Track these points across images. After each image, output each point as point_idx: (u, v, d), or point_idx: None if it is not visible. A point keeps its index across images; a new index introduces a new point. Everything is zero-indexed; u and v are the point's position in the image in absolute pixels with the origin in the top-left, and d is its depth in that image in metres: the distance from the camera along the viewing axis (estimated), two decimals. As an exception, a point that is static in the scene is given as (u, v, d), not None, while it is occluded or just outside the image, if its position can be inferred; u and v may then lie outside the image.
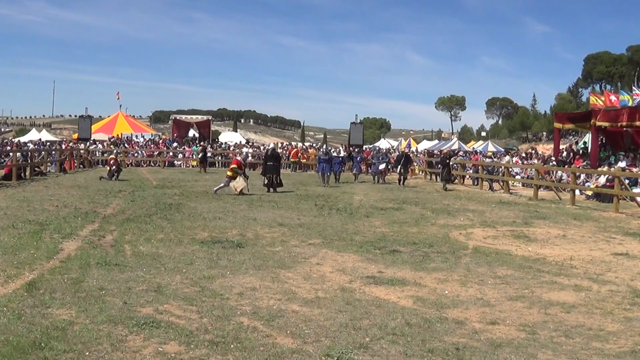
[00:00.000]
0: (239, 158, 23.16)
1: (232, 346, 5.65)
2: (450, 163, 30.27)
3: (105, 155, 42.84)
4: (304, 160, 41.55)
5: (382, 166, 30.67)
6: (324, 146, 36.74)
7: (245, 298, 7.44)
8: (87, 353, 5.34)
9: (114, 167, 27.51)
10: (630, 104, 30.44)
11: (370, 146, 60.10)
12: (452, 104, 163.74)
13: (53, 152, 36.69)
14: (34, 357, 5.17)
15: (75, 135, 51.87)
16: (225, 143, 54.15)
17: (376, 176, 30.89)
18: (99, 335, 5.76)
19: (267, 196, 21.09)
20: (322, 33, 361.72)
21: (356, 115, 48.13)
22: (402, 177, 29.22)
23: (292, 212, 16.46)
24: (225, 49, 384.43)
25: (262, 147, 49.32)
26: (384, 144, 76.72)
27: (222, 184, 21.56)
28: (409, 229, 13.95)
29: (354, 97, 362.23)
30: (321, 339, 5.96)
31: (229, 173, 21.91)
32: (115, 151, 34.99)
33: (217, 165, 42.35)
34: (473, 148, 68.75)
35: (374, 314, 6.91)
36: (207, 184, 24.80)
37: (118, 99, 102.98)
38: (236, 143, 54.16)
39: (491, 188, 27.99)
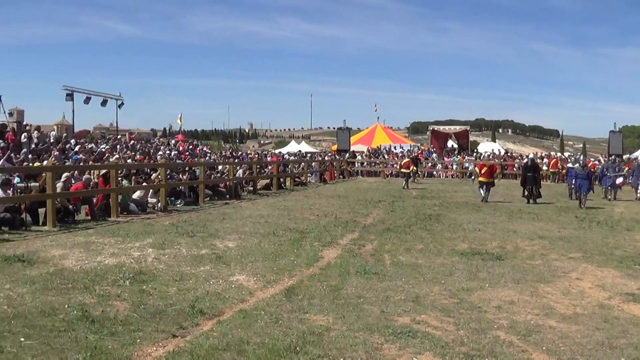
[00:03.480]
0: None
1: (487, 360, 5.58)
2: None
3: (364, 165, 44.51)
4: (564, 171, 39.60)
5: (619, 180, 27.46)
6: (581, 157, 33.69)
7: (503, 311, 7.29)
8: (342, 359, 5.53)
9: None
10: None
11: (630, 156, 55.03)
12: None
13: (313, 164, 38.83)
14: (289, 361, 5.48)
15: (335, 147, 54.26)
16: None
17: (611, 190, 26.98)
18: (354, 342, 5.93)
19: (526, 207, 20.60)
20: (574, 38, 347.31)
21: (615, 123, 45.67)
22: None
23: (552, 225, 15.93)
24: (478, 57, 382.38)
25: (521, 158, 47.78)
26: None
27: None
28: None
29: (612, 104, 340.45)
30: (577, 357, 5.78)
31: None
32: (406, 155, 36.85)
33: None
34: None
35: (631, 332, 6.58)
36: (467, 195, 24.66)
37: (375, 110, 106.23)
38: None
39: None
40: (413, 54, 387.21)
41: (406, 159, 33.69)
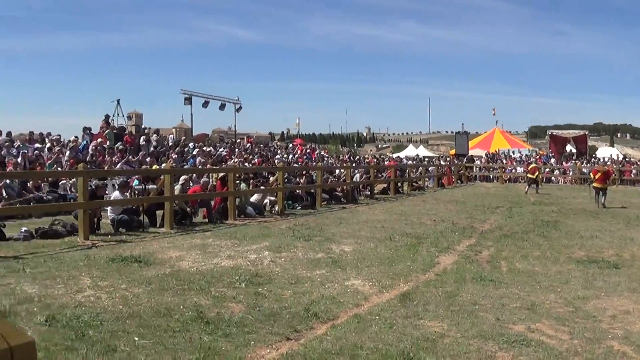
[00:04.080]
0: None
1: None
2: None
3: (483, 171, 43.82)
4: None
5: None
6: None
7: (618, 321, 7.05)
8: (455, 366, 5.54)
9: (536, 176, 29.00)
10: None
11: None
12: None
13: (431, 168, 38.59)
14: (402, 366, 5.51)
15: (453, 151, 53.77)
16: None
17: None
18: (468, 350, 5.90)
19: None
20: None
21: None
22: None
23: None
24: (596, 60, 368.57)
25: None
26: None
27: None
28: None
29: None
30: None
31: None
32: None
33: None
34: None
35: None
36: (585, 201, 23.84)
37: (494, 114, 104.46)
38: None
39: None
40: (530, 57, 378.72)
41: (533, 164, 33.19)
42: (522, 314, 7.30)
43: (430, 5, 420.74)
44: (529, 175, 31.28)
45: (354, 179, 25.66)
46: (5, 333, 1.51)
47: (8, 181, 16.87)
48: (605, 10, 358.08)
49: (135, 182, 17.63)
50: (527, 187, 29.99)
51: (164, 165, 19.31)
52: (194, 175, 19.08)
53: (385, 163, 41.55)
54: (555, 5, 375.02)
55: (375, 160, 46.35)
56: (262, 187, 19.74)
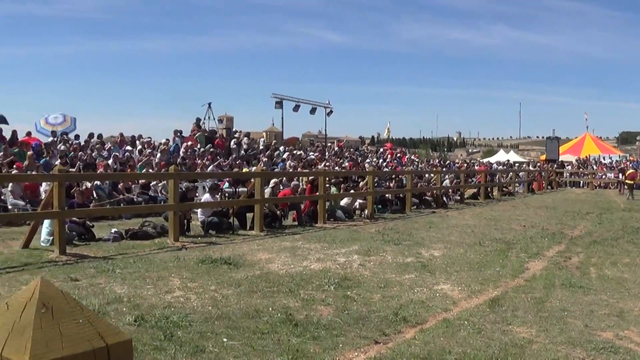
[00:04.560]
0: None
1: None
2: None
3: (573, 176, 42.79)
4: None
5: None
6: None
7: None
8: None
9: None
10: None
11: None
12: None
13: (521, 173, 37.96)
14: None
15: (543, 157, 52.65)
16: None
17: None
18: (556, 356, 5.88)
19: None
20: None
21: None
22: None
23: None
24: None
25: None
26: None
27: None
28: None
29: None
30: None
31: None
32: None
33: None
34: None
35: None
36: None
37: (586, 120, 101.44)
38: None
39: None
40: (622, 62, 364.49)
41: (631, 170, 32.36)
42: (611, 321, 7.21)
43: (522, 9, 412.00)
44: (627, 181, 30.45)
45: (444, 184, 25.55)
46: (102, 331, 1.49)
47: (99, 182, 17.22)
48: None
49: (226, 184, 17.88)
50: (628, 193, 29.27)
51: (254, 168, 19.49)
52: (284, 178, 19.29)
53: (476, 168, 41.07)
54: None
55: (465, 165, 45.89)
56: (352, 191, 19.87)
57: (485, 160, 62.48)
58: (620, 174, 35.85)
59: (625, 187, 31.02)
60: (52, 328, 1.43)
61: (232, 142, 27.82)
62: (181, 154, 23.77)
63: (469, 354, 5.85)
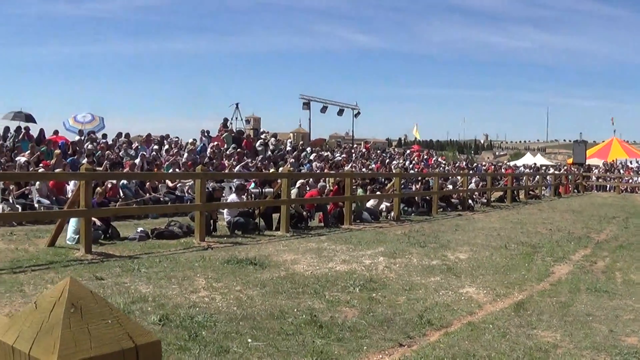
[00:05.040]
0: None
1: None
2: None
3: (599, 180, 42.31)
4: None
5: None
6: None
7: None
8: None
9: None
10: None
11: None
12: None
13: (548, 177, 37.61)
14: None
15: (570, 160, 52.14)
16: None
17: None
18: None
19: None
20: None
21: None
22: None
23: None
24: None
25: None
26: None
27: None
28: None
29: None
30: None
31: None
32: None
33: None
34: None
35: None
36: None
37: (612, 124, 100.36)
38: None
39: None
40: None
41: None
42: (636, 326, 7.11)
43: (550, 12, 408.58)
44: None
45: (470, 186, 25.40)
46: (131, 331, 1.46)
47: (125, 181, 17.19)
48: None
49: (252, 185, 17.85)
50: None
51: (281, 169, 19.40)
52: (311, 179, 19.24)
53: (502, 171, 40.77)
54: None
55: (492, 167, 45.59)
56: (378, 193, 19.79)
57: (512, 163, 62.02)
58: None
59: None
60: (80, 328, 1.41)
61: (259, 143, 27.74)
62: (208, 154, 23.76)
63: (493, 357, 5.81)
